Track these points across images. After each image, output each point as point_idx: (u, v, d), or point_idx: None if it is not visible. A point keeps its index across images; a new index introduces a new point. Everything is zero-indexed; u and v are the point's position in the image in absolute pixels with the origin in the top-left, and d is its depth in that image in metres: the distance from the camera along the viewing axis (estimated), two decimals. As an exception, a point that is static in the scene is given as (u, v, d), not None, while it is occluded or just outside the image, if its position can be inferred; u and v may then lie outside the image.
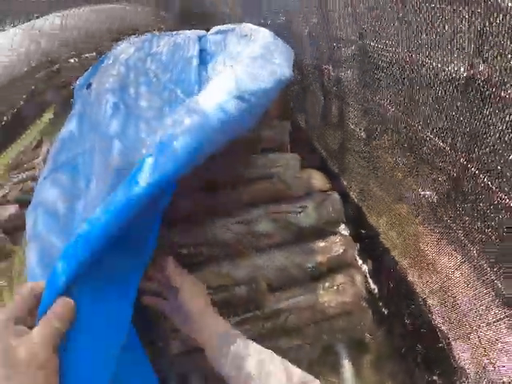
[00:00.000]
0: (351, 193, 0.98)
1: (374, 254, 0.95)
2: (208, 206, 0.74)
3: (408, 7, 0.53)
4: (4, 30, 2.20)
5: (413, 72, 0.57)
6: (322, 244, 0.75)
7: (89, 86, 0.84)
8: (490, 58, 0.44)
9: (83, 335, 0.38)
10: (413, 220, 0.69)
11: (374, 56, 0.67)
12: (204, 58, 0.83)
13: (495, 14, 0.41)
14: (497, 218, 0.50)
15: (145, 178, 0.42)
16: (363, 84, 0.76)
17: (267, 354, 0.50)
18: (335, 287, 0.72)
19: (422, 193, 0.62)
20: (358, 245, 1.06)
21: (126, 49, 0.88)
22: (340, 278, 0.74)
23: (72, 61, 1.92)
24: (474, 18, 0.44)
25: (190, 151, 0.45)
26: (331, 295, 0.72)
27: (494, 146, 0.46)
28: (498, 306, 0.61)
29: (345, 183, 1.00)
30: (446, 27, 0.47)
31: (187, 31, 0.98)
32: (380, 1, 0.59)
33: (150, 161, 0.44)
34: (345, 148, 0.93)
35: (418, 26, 0.52)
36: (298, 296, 0.71)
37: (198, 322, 0.55)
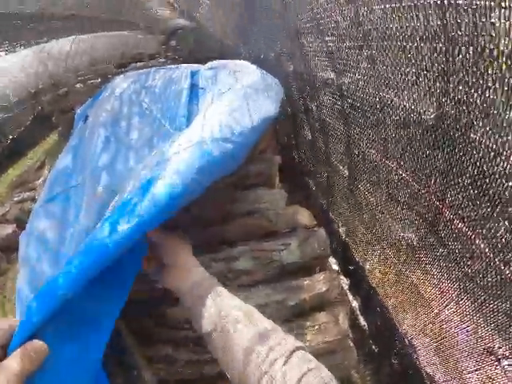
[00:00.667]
0: (339, 228, 0.98)
1: (363, 290, 0.94)
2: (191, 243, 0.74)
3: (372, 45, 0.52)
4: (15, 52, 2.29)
5: (382, 112, 0.57)
6: (305, 282, 0.74)
7: (85, 119, 0.87)
8: (456, 97, 0.41)
9: (51, 377, 0.37)
10: (394, 260, 0.69)
11: (347, 94, 0.68)
12: (196, 92, 0.86)
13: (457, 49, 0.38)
14: (473, 266, 0.49)
15: (122, 224, 0.42)
16: (342, 121, 0.77)
17: (249, 309, 0.48)
18: (317, 327, 0.71)
19: (402, 234, 0.61)
20: (349, 280, 1.05)
21: (121, 82, 0.91)
22: (322, 317, 0.72)
23: (78, 86, 1.98)
24: (435, 55, 0.42)
25: (170, 197, 0.45)
26: (313, 335, 0.70)
27: (466, 191, 0.45)
28: (481, 353, 0.59)
29: (333, 217, 1.00)
30: (410, 66, 0.46)
31: (184, 65, 1.02)
32: (346, 40, 0.59)
33: (128, 206, 0.44)
34: (331, 184, 0.94)
35: (383, 65, 0.52)
36: (278, 335, 0.70)
37: (181, 272, 0.53)
